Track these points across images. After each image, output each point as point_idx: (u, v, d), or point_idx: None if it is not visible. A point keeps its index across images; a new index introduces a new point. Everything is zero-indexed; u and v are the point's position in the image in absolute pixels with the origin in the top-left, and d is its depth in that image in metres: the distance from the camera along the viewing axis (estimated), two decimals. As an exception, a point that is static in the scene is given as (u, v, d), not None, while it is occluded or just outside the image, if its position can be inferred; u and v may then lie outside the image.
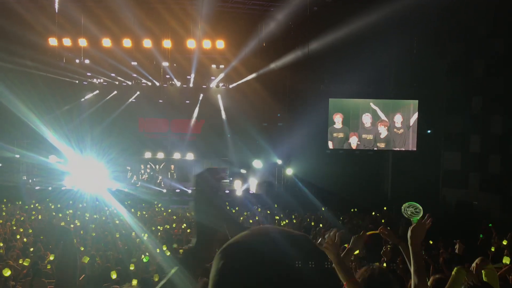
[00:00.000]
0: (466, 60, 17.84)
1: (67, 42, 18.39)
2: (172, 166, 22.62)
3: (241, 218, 14.87)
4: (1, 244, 8.48)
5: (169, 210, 16.70)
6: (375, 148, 19.89)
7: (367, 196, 18.12)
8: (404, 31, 17.61)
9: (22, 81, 18.74)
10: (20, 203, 16.48)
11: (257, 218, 14.80)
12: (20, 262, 7.07)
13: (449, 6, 16.11)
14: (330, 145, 19.59)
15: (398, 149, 19.82)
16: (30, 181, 20.75)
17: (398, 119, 19.67)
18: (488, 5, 16.13)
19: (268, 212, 16.37)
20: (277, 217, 15.06)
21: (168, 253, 7.89)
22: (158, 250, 8.48)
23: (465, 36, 17.78)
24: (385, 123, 19.68)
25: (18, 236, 9.60)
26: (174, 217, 14.77)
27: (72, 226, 11.34)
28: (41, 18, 17.20)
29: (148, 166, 22.35)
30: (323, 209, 15.97)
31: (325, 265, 0.79)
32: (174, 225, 12.52)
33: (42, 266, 6.73)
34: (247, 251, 0.77)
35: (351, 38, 16.44)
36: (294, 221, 14.14)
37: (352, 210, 16.40)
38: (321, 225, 12.22)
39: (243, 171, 22.01)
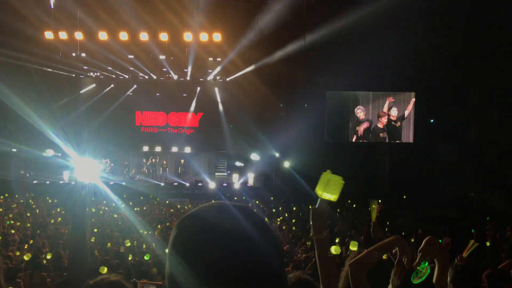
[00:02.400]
0: (463, 52, 17.84)
1: (63, 35, 18.27)
2: (182, 161, 22.31)
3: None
4: (0, 238, 8.51)
5: (167, 202, 16.77)
6: (374, 140, 20.01)
7: (364, 189, 18.18)
8: (401, 22, 17.57)
9: (18, 75, 18.65)
10: (17, 196, 16.47)
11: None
12: (18, 254, 7.11)
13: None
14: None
15: (398, 141, 19.96)
16: (27, 175, 20.72)
17: (394, 112, 19.88)
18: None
19: (262, 207, 16.34)
20: (274, 210, 15.11)
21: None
22: (154, 245, 8.50)
23: (462, 28, 17.77)
24: (384, 114, 19.90)
25: (13, 231, 9.62)
26: (172, 210, 14.82)
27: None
28: (37, 12, 17.09)
29: (144, 160, 22.33)
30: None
31: (267, 231, 0.89)
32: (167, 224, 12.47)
33: (40, 260, 6.76)
34: (197, 221, 0.88)
35: (348, 31, 16.41)
36: (291, 214, 14.16)
37: (349, 201, 16.46)
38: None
39: (239, 164, 22.02)
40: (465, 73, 17.73)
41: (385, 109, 19.75)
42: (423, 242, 2.17)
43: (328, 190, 2.14)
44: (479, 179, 17.24)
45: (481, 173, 17.19)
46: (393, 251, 2.30)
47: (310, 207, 2.12)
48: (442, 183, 19.17)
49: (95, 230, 10.41)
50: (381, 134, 20.02)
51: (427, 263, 2.18)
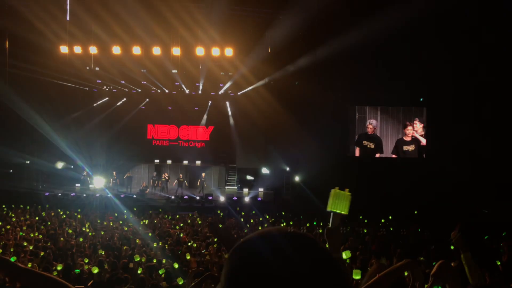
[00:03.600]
0: (474, 67, 17.73)
1: (77, 49, 18.60)
2: (203, 174, 22.09)
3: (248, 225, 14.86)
4: (12, 250, 8.56)
5: (177, 216, 16.70)
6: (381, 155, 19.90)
7: (375, 204, 17.99)
8: (412, 37, 17.57)
9: (33, 88, 18.99)
10: (29, 208, 16.60)
11: (265, 226, 14.75)
12: (30, 266, 7.14)
13: (457, 12, 16.08)
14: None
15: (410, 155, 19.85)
16: (40, 187, 20.92)
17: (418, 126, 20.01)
18: (495, 11, 16.07)
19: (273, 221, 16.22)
20: (284, 224, 14.99)
21: (177, 266, 7.77)
22: (164, 261, 8.43)
23: (474, 43, 17.70)
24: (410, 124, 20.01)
25: (25, 243, 9.67)
26: (182, 224, 14.77)
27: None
28: (52, 26, 17.44)
29: (155, 173, 22.37)
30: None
31: (327, 260, 0.83)
32: (181, 235, 12.46)
33: (51, 271, 6.78)
34: (255, 251, 0.83)
35: (359, 46, 16.45)
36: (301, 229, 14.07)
37: (360, 217, 16.29)
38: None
39: (249, 177, 22.01)
40: (477, 88, 17.60)
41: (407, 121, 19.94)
42: (436, 265, 2.09)
43: (338, 206, 2.18)
44: (493, 196, 16.97)
45: (495, 189, 16.92)
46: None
47: (327, 225, 2.10)
48: (455, 199, 18.89)
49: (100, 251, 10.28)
50: (404, 147, 19.95)
51: (440, 287, 2.11)
